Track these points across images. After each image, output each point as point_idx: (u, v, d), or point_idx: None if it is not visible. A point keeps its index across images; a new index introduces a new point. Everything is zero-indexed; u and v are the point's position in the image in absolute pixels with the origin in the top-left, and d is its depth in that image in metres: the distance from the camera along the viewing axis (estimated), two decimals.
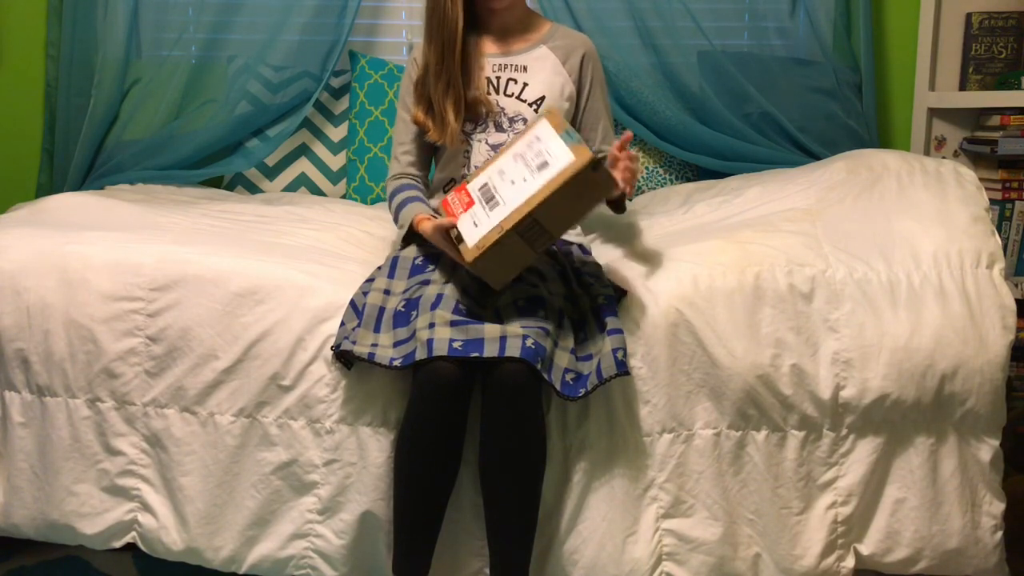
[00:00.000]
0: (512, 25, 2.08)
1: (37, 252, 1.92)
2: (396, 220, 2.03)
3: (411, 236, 1.99)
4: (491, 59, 2.06)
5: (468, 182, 1.84)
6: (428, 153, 2.12)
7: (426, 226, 1.88)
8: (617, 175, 1.77)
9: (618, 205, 1.97)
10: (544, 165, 1.71)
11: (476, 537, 1.80)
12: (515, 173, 1.75)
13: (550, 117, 1.79)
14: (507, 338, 1.68)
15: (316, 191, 2.78)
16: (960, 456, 1.84)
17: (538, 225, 1.69)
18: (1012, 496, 1.92)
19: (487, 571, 1.78)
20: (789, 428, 1.83)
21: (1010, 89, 2.64)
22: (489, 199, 1.76)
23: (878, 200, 2.05)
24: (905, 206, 2.00)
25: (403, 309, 1.80)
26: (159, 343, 1.85)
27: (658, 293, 1.84)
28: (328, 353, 1.80)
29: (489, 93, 2.04)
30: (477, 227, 1.73)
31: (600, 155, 2.11)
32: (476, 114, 2.01)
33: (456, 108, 1.98)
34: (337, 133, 2.80)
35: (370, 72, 2.73)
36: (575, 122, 2.12)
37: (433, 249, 1.97)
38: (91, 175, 2.72)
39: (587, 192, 1.69)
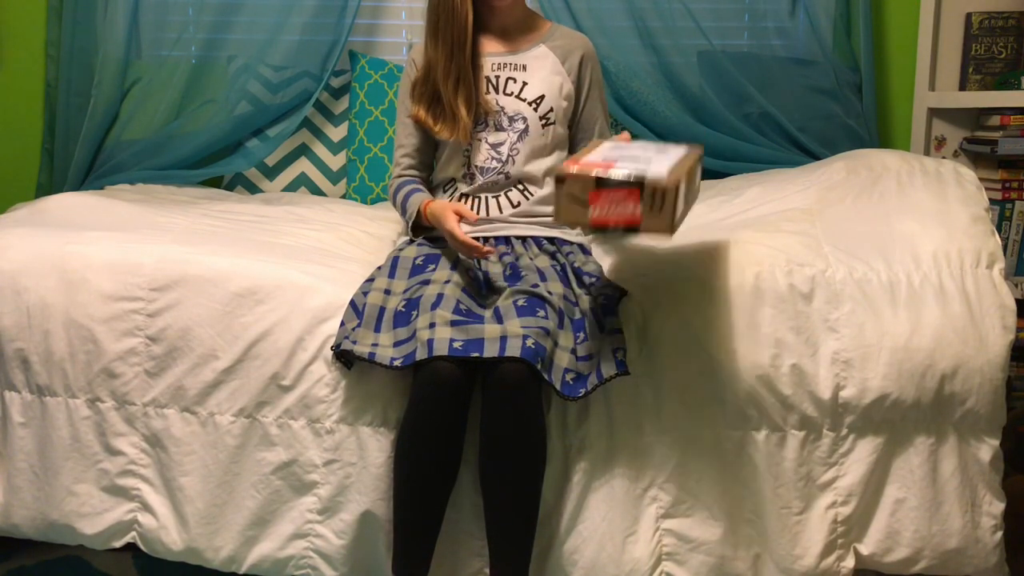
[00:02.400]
0: (512, 24, 2.08)
1: (37, 252, 1.92)
2: (403, 213, 2.04)
3: (418, 228, 1.99)
4: (490, 58, 2.06)
5: (573, 161, 1.63)
6: (429, 155, 2.12)
7: (436, 206, 1.92)
8: None
9: None
10: (661, 150, 1.68)
11: (476, 537, 1.81)
12: (637, 152, 1.65)
13: (619, 138, 1.82)
14: (507, 338, 1.68)
15: (316, 191, 2.78)
16: (960, 456, 1.84)
17: (688, 187, 1.61)
18: (1012, 496, 1.92)
19: (487, 571, 1.78)
20: (789, 428, 1.83)
21: (1010, 89, 2.65)
22: (631, 158, 1.61)
23: (878, 200, 2.05)
24: (905, 206, 2.00)
25: (403, 309, 1.80)
26: (159, 343, 1.85)
27: (658, 293, 1.84)
28: (328, 353, 1.80)
29: (488, 92, 2.04)
30: (646, 170, 1.54)
31: None
32: (476, 114, 2.01)
33: (468, 103, 1.98)
34: (337, 133, 2.80)
35: (370, 72, 2.74)
36: (573, 122, 2.12)
37: (433, 249, 1.97)
38: (91, 175, 2.72)
39: (696, 182, 1.70)
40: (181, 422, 1.85)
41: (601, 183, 1.52)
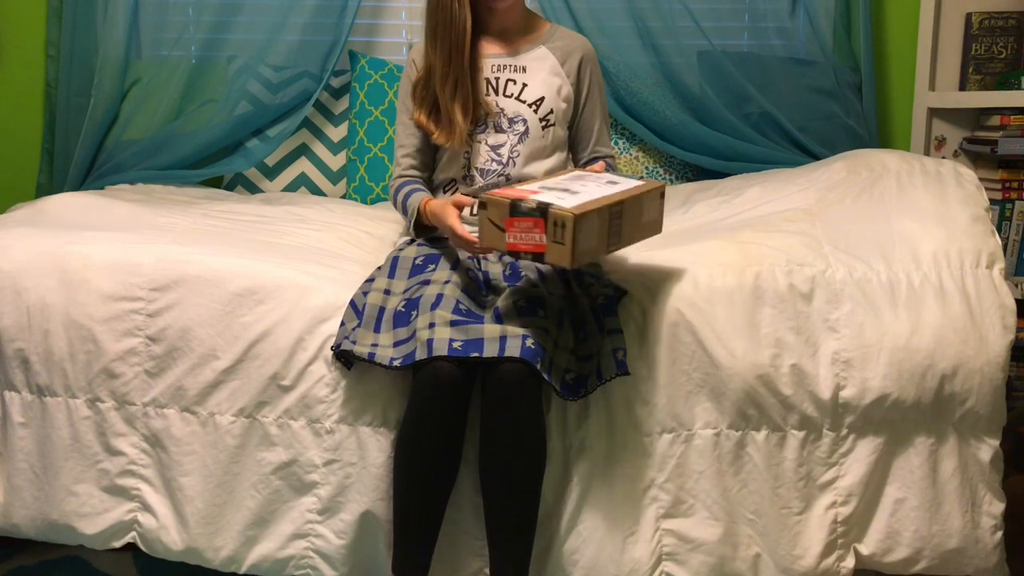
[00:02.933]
0: (511, 26, 2.08)
1: (37, 252, 1.92)
2: (404, 213, 2.04)
3: (420, 228, 1.99)
4: (490, 60, 2.06)
5: (511, 187, 1.72)
6: (430, 155, 2.12)
7: (436, 204, 1.91)
8: None
9: None
10: (613, 183, 1.74)
11: (476, 537, 1.81)
12: (577, 187, 1.71)
13: (592, 168, 1.88)
14: (507, 338, 1.68)
15: (316, 191, 2.78)
16: (960, 456, 1.84)
17: (619, 220, 1.66)
18: (1012, 496, 1.92)
19: (487, 571, 1.78)
20: (789, 428, 1.83)
21: (1010, 89, 2.65)
22: (563, 190, 1.69)
23: (878, 200, 2.05)
24: (905, 206, 2.00)
25: (403, 309, 1.80)
26: (159, 343, 1.85)
27: (658, 293, 1.84)
28: (328, 353, 1.80)
29: (488, 94, 2.04)
30: (561, 200, 1.61)
31: (596, 157, 2.11)
32: (476, 116, 2.01)
33: (465, 109, 1.98)
34: (337, 133, 2.80)
35: (370, 72, 2.74)
36: (572, 124, 2.12)
37: (433, 249, 1.97)
38: (91, 175, 2.72)
39: (648, 216, 1.72)
40: (181, 422, 1.85)
41: (513, 210, 1.60)
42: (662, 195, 1.79)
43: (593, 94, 2.11)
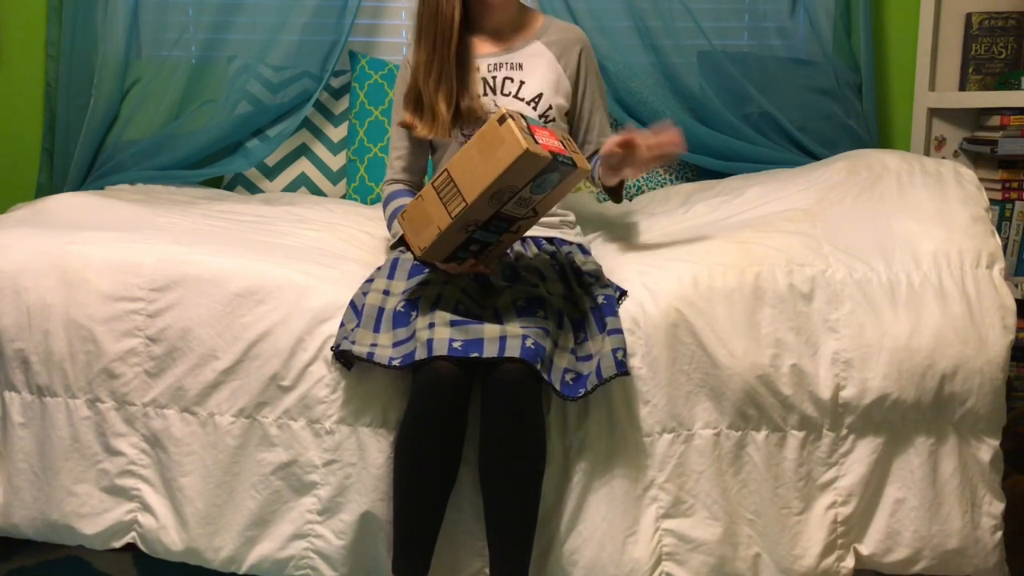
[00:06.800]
0: (506, 23, 2.08)
1: (37, 252, 1.92)
2: (389, 227, 2.05)
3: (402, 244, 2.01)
4: (485, 59, 2.06)
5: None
6: (422, 157, 2.12)
7: None
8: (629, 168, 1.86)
9: (616, 193, 1.98)
10: None
11: (476, 537, 1.80)
12: None
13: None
14: (507, 338, 1.68)
15: (316, 191, 2.78)
16: (960, 456, 1.84)
17: (451, 182, 1.68)
18: (1012, 496, 1.92)
19: (487, 571, 1.78)
20: (789, 428, 1.83)
21: (1010, 89, 2.64)
22: None
23: (878, 200, 2.05)
24: (905, 206, 2.00)
25: (403, 309, 1.80)
26: (159, 343, 1.85)
27: (658, 293, 1.84)
28: (328, 353, 1.80)
29: (485, 93, 2.03)
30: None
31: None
32: (474, 117, 2.01)
33: (448, 100, 1.97)
34: (337, 133, 2.80)
35: (370, 72, 2.74)
36: (572, 114, 2.12)
37: None
38: (91, 175, 2.72)
39: (496, 148, 1.65)
40: (181, 422, 1.85)
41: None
42: (502, 120, 1.63)
43: (591, 82, 2.11)
